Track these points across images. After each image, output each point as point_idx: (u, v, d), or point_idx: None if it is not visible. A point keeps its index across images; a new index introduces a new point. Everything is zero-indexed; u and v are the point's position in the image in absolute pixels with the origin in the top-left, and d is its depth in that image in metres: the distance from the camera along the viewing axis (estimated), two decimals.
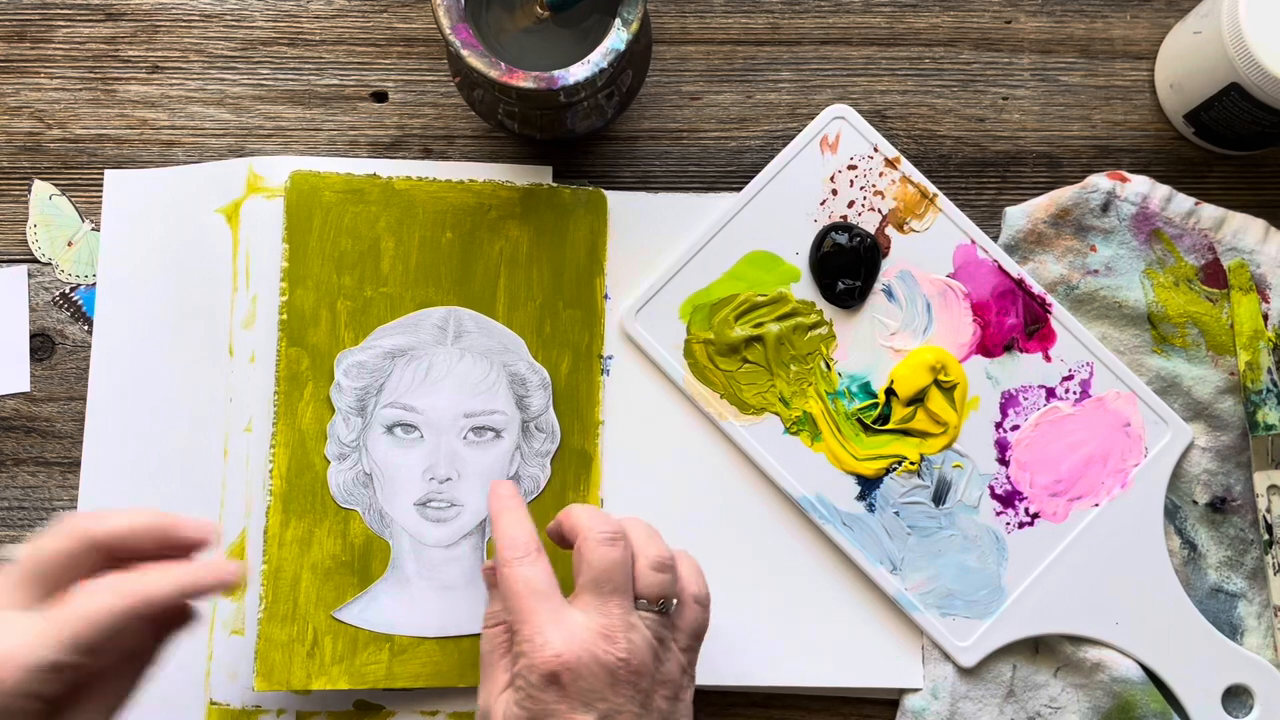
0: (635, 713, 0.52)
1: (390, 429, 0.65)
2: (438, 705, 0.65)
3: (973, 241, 0.67)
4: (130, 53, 0.69)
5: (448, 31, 0.58)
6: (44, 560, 0.48)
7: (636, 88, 0.66)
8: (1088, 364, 0.66)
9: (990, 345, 0.66)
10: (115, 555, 0.49)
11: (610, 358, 0.67)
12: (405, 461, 0.65)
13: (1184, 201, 0.67)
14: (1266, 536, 0.65)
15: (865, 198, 0.67)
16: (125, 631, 0.48)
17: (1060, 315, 0.66)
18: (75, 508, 0.66)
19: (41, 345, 0.67)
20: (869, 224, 0.67)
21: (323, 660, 0.63)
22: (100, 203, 0.68)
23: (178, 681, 0.64)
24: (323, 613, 0.64)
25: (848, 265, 0.66)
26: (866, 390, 0.66)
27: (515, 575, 0.55)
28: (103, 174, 0.68)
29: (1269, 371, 0.66)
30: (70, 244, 0.68)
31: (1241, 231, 0.67)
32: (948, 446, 0.66)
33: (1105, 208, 0.66)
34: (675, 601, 0.57)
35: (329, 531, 0.65)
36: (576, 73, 0.58)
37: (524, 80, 0.58)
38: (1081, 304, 0.67)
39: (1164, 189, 0.67)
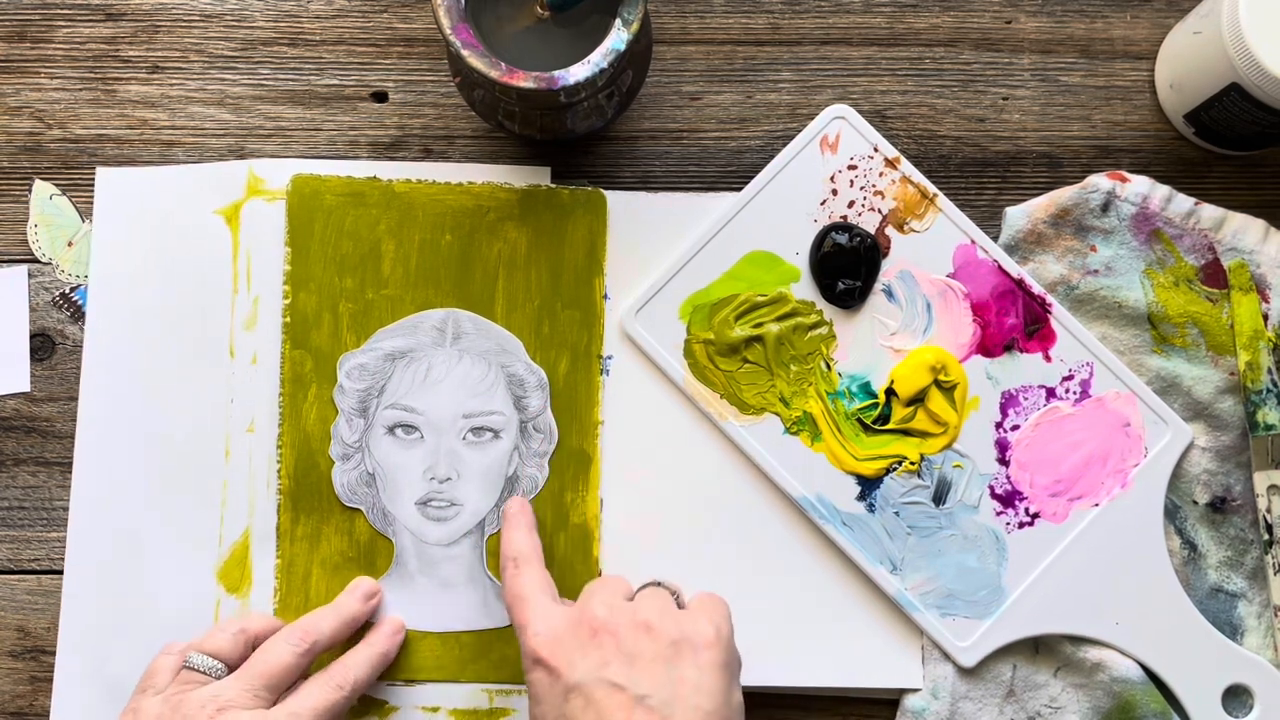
0: (624, 662, 0.54)
1: (391, 430, 0.65)
2: (438, 701, 0.65)
3: (973, 241, 0.67)
4: (130, 53, 0.69)
5: (448, 32, 0.58)
6: (280, 673, 0.59)
7: (636, 88, 0.66)
8: (1088, 364, 0.66)
9: (990, 345, 0.66)
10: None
11: (610, 358, 0.67)
12: (406, 461, 0.65)
13: (1184, 201, 0.67)
14: (1266, 536, 0.65)
15: (865, 198, 0.67)
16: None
17: (1060, 315, 0.66)
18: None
19: (41, 345, 0.67)
20: (869, 224, 0.67)
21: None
22: None
23: None
24: None
25: (848, 265, 0.66)
26: (866, 390, 0.66)
27: (510, 586, 0.60)
28: None
29: (1269, 371, 0.66)
30: (70, 244, 0.68)
31: (1241, 231, 0.67)
32: (948, 446, 0.66)
33: (1105, 208, 0.66)
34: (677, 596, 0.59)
35: (335, 529, 0.65)
36: (576, 73, 0.58)
37: (524, 80, 0.58)
38: (1081, 304, 0.67)
39: (1164, 189, 0.67)
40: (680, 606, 0.58)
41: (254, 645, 0.62)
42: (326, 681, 0.60)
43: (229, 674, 0.60)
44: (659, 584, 0.59)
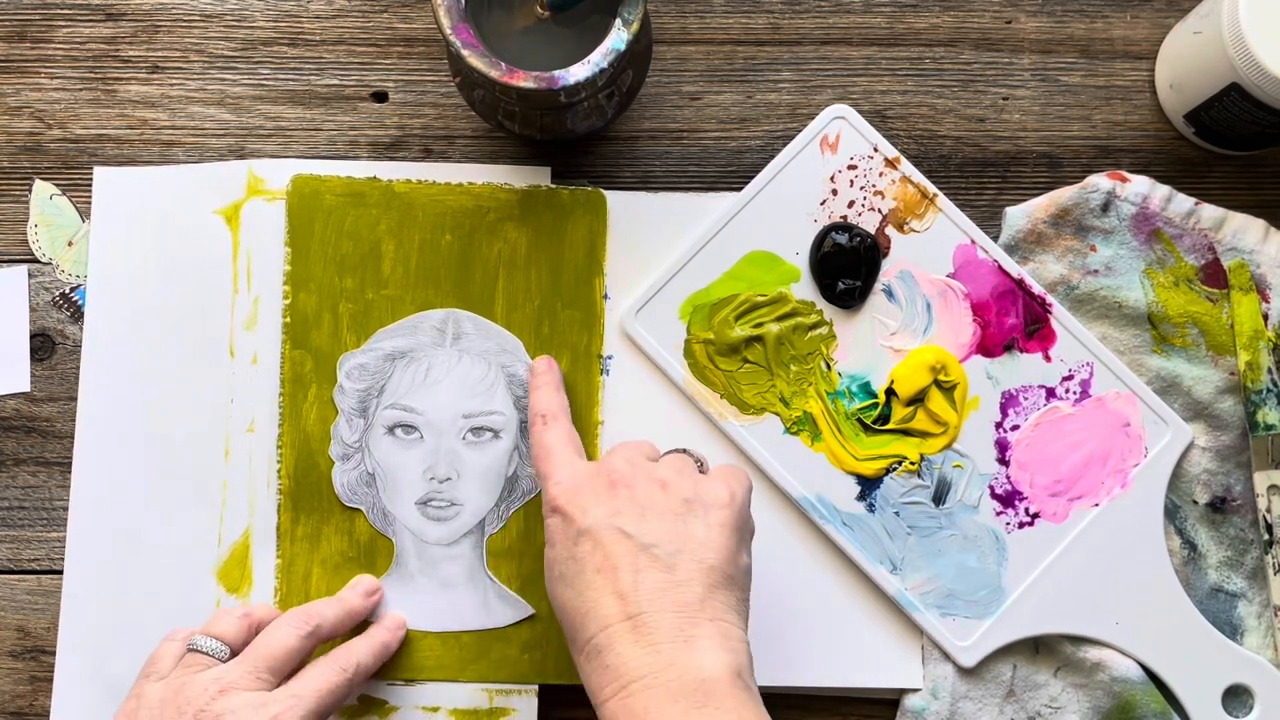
0: (636, 513, 0.55)
1: (391, 430, 0.65)
2: (438, 701, 0.65)
3: (973, 241, 0.67)
4: (130, 53, 0.69)
5: (448, 32, 0.58)
6: (282, 656, 0.59)
7: (636, 88, 0.66)
8: (1088, 364, 0.66)
9: (990, 345, 0.66)
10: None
11: (610, 358, 0.67)
12: (406, 461, 0.65)
13: (1184, 201, 0.67)
14: (1266, 536, 0.65)
15: (865, 198, 0.67)
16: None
17: (1060, 315, 0.66)
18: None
19: (41, 345, 0.67)
20: (869, 224, 0.67)
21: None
22: None
23: None
24: None
25: (848, 265, 0.66)
26: (866, 390, 0.66)
27: (538, 439, 0.61)
28: None
29: (1269, 371, 0.66)
30: (70, 244, 0.68)
31: (1241, 231, 0.67)
32: (948, 446, 0.66)
33: (1105, 208, 0.66)
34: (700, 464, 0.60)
35: (336, 529, 0.65)
36: (577, 73, 0.58)
37: (524, 80, 0.58)
38: (1081, 304, 0.67)
39: (1164, 189, 0.67)
40: (703, 474, 0.59)
41: (257, 630, 0.62)
42: (330, 664, 0.60)
43: (232, 657, 0.60)
44: (685, 450, 0.60)
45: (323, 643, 0.62)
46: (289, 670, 0.60)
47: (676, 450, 0.60)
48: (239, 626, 0.61)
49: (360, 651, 0.62)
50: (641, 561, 0.54)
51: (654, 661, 0.52)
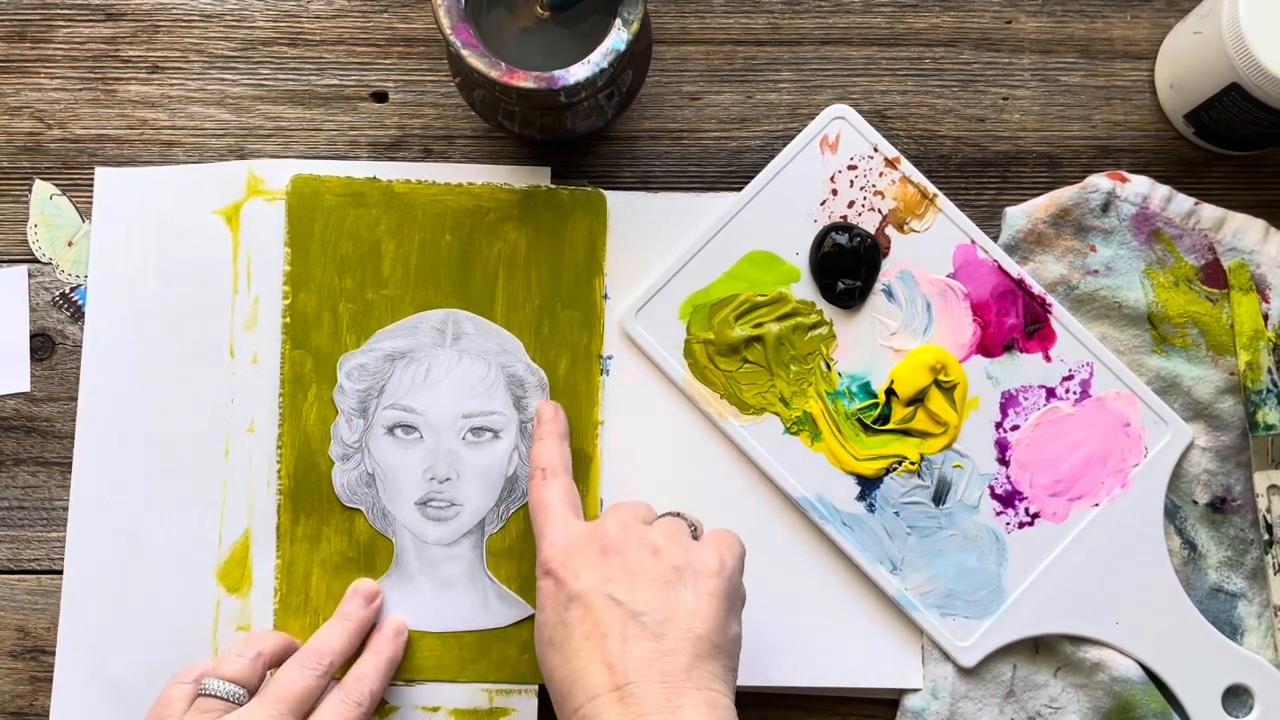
0: (627, 580, 0.55)
1: (391, 430, 0.65)
2: (438, 701, 0.65)
3: (973, 241, 0.67)
4: (130, 53, 0.69)
5: (448, 32, 0.58)
6: (302, 696, 0.60)
7: (636, 88, 0.66)
8: (1088, 364, 0.66)
9: (990, 345, 0.66)
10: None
11: (610, 358, 0.67)
12: (406, 462, 0.65)
13: (1184, 201, 0.67)
14: (1266, 536, 0.65)
15: (865, 198, 0.67)
16: None
17: (1060, 315, 0.66)
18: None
19: (41, 345, 0.67)
20: (869, 224, 0.67)
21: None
22: None
23: None
24: (332, 606, 0.65)
25: (848, 265, 0.66)
26: (866, 390, 0.66)
27: (535, 495, 0.61)
28: None
29: (1269, 371, 0.66)
30: (70, 244, 0.68)
31: (1241, 231, 0.67)
32: (948, 446, 0.66)
33: (1105, 208, 0.66)
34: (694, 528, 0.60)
35: (335, 529, 0.65)
36: (577, 73, 0.58)
37: (524, 80, 0.58)
38: (1081, 304, 0.67)
39: (1164, 189, 0.67)
40: (696, 539, 0.59)
41: (268, 666, 0.62)
42: (345, 699, 0.60)
43: (248, 697, 0.60)
44: (679, 515, 0.60)
45: (336, 671, 0.62)
46: (308, 709, 0.60)
47: (670, 514, 0.60)
48: (253, 667, 0.60)
49: (370, 678, 0.62)
50: (630, 630, 0.54)
51: None
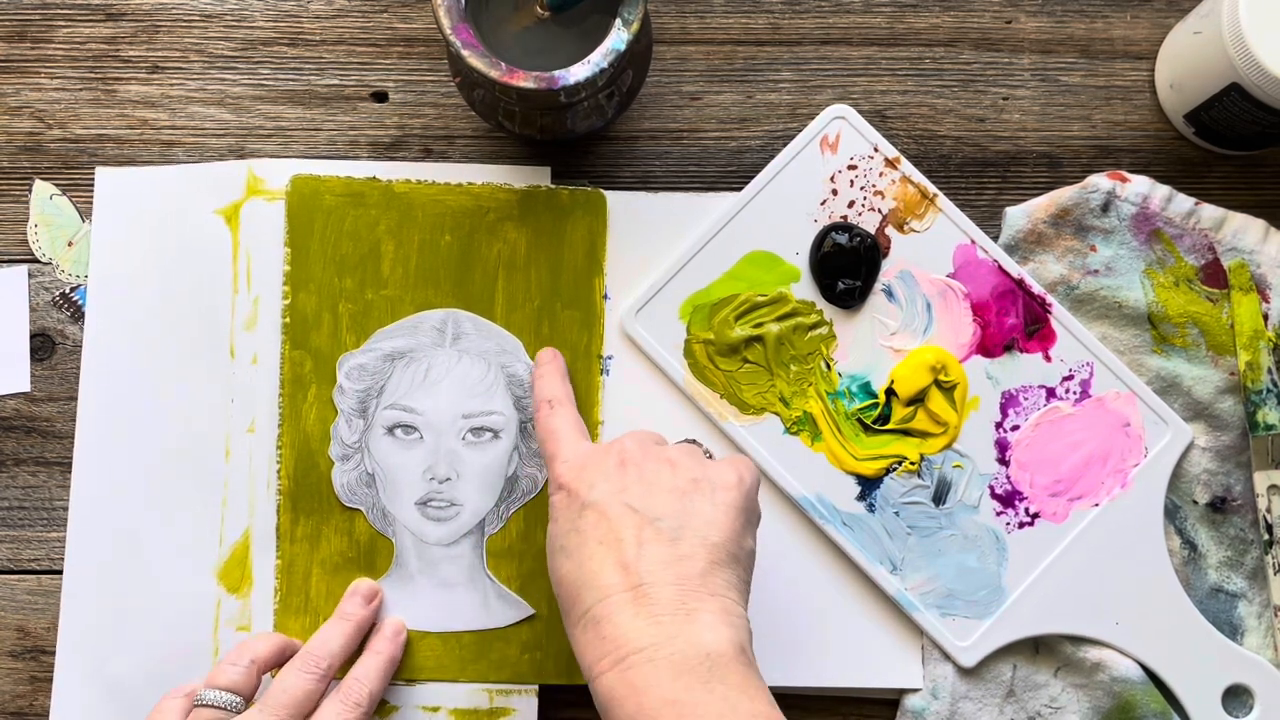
0: (643, 489, 0.55)
1: (391, 430, 0.65)
2: (438, 701, 0.65)
3: (973, 241, 0.67)
4: (130, 53, 0.69)
5: (448, 32, 0.58)
6: (303, 699, 0.60)
7: (637, 88, 0.66)
8: (1088, 364, 0.66)
9: (990, 345, 0.66)
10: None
11: (610, 358, 0.67)
12: (406, 462, 0.65)
13: (1184, 201, 0.67)
14: (1266, 536, 0.65)
15: (865, 198, 0.67)
16: None
17: (1060, 315, 0.66)
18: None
19: (41, 345, 0.67)
20: (869, 224, 0.67)
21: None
22: None
23: (185, 678, 0.64)
24: (332, 606, 0.65)
25: (848, 265, 0.66)
26: (866, 390, 0.66)
27: (543, 423, 0.61)
28: None
29: (1269, 371, 0.66)
30: (70, 244, 0.68)
31: (1241, 231, 0.67)
32: (948, 446, 0.66)
33: (1105, 208, 0.66)
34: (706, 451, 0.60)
35: (335, 529, 0.65)
36: (577, 73, 0.58)
37: (524, 80, 0.58)
38: (1081, 304, 0.67)
39: (1164, 189, 0.67)
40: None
41: (263, 671, 0.61)
42: (344, 701, 0.60)
43: (245, 705, 0.59)
44: (695, 441, 0.60)
45: (335, 672, 0.62)
46: (308, 712, 0.60)
47: (686, 440, 0.60)
48: (248, 674, 0.60)
49: (370, 679, 0.62)
50: (646, 534, 0.54)
51: (655, 633, 0.51)
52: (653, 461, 0.57)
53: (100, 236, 0.67)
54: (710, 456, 0.60)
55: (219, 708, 0.59)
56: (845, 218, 0.67)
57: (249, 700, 0.60)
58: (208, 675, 0.61)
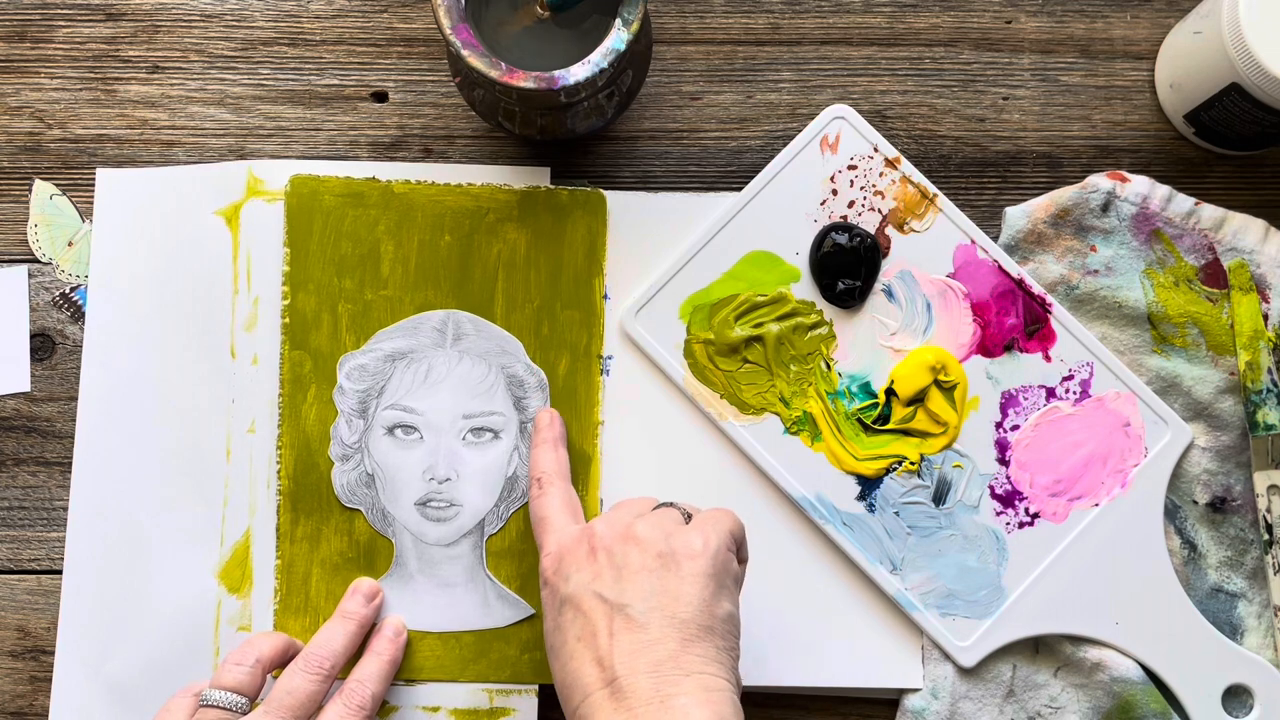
0: (614, 575, 0.55)
1: (391, 430, 0.65)
2: (438, 701, 0.65)
3: (973, 241, 0.67)
4: (130, 53, 0.69)
5: (448, 32, 0.58)
6: (306, 701, 0.60)
7: (636, 88, 0.66)
8: (1088, 364, 0.66)
9: (990, 345, 0.66)
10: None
11: (610, 358, 0.67)
12: (406, 462, 0.65)
13: (1184, 201, 0.67)
14: (1266, 536, 0.65)
15: (865, 198, 0.67)
16: None
17: (1060, 315, 0.66)
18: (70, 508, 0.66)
19: (41, 345, 0.67)
20: (869, 224, 0.67)
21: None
22: None
23: (185, 678, 0.64)
24: (332, 606, 0.65)
25: (848, 265, 0.66)
26: (866, 390, 0.66)
27: (532, 508, 0.62)
28: None
29: (1269, 371, 0.66)
30: (71, 244, 0.68)
31: (1241, 231, 0.67)
32: (948, 446, 0.66)
33: (1105, 208, 0.66)
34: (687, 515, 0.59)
35: (335, 530, 0.65)
36: (577, 73, 0.58)
37: (524, 80, 0.58)
38: (1081, 304, 0.67)
39: (1164, 189, 0.67)
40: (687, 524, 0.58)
41: (268, 671, 0.61)
42: (347, 704, 0.60)
43: (250, 708, 0.59)
44: (673, 504, 0.60)
45: (338, 672, 0.62)
46: (311, 713, 0.60)
47: (664, 504, 0.60)
48: (253, 675, 0.60)
49: (372, 681, 0.62)
50: (617, 624, 0.54)
51: None
52: (620, 543, 0.56)
53: (100, 236, 0.67)
54: (689, 517, 0.59)
55: (224, 708, 0.59)
56: (845, 218, 0.67)
57: (254, 700, 0.60)
58: (214, 675, 0.61)
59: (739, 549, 0.58)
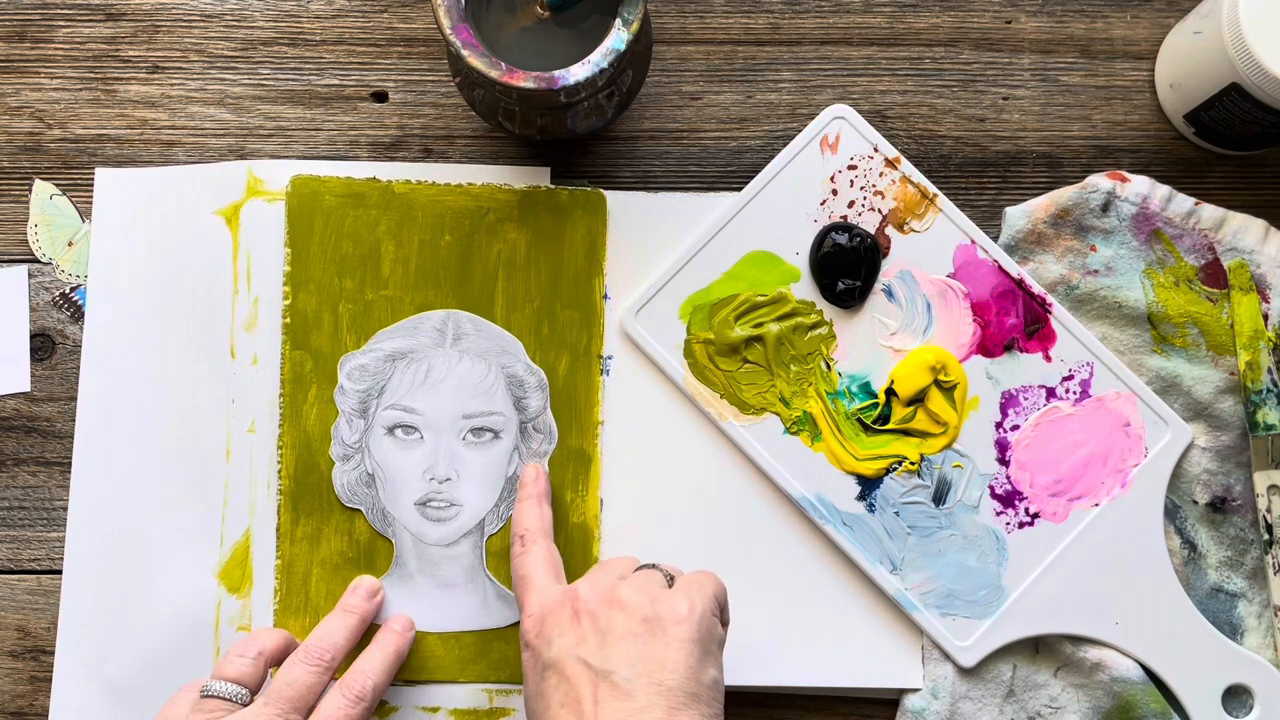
0: (598, 640, 0.55)
1: (391, 430, 0.65)
2: (439, 701, 0.65)
3: (973, 241, 0.67)
4: (130, 53, 0.69)
5: (448, 32, 0.58)
6: (306, 693, 0.59)
7: (636, 88, 0.66)
8: (1088, 364, 0.66)
9: (990, 345, 0.66)
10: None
11: (610, 358, 0.67)
12: (406, 462, 0.65)
13: (1184, 201, 0.67)
14: (1266, 536, 0.65)
15: (865, 198, 0.67)
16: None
17: (1060, 315, 0.66)
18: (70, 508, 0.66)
19: (41, 345, 0.67)
20: (869, 224, 0.67)
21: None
22: None
23: (185, 678, 0.64)
24: (332, 606, 0.65)
25: (848, 265, 0.66)
26: (866, 390, 0.66)
27: (514, 566, 0.61)
28: None
29: (1269, 371, 0.66)
30: (71, 244, 0.68)
31: (1241, 231, 0.67)
32: (948, 446, 0.66)
33: (1105, 208, 0.66)
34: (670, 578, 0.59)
35: (335, 529, 0.65)
36: (577, 73, 0.58)
37: (524, 80, 0.58)
38: (1081, 304, 0.67)
39: (1164, 189, 0.67)
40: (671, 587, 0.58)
41: (270, 665, 0.61)
42: (345, 693, 0.60)
43: (251, 699, 0.59)
44: (655, 566, 0.59)
45: (338, 665, 0.62)
46: (310, 705, 0.60)
47: (647, 566, 0.59)
48: (255, 666, 0.60)
49: (373, 672, 0.61)
50: (602, 691, 0.53)
51: None
52: (604, 607, 0.56)
53: (100, 236, 0.67)
54: (671, 579, 0.58)
55: (225, 699, 0.59)
56: (845, 218, 0.67)
57: (254, 692, 0.60)
58: (216, 665, 0.61)
59: (722, 612, 0.58)
